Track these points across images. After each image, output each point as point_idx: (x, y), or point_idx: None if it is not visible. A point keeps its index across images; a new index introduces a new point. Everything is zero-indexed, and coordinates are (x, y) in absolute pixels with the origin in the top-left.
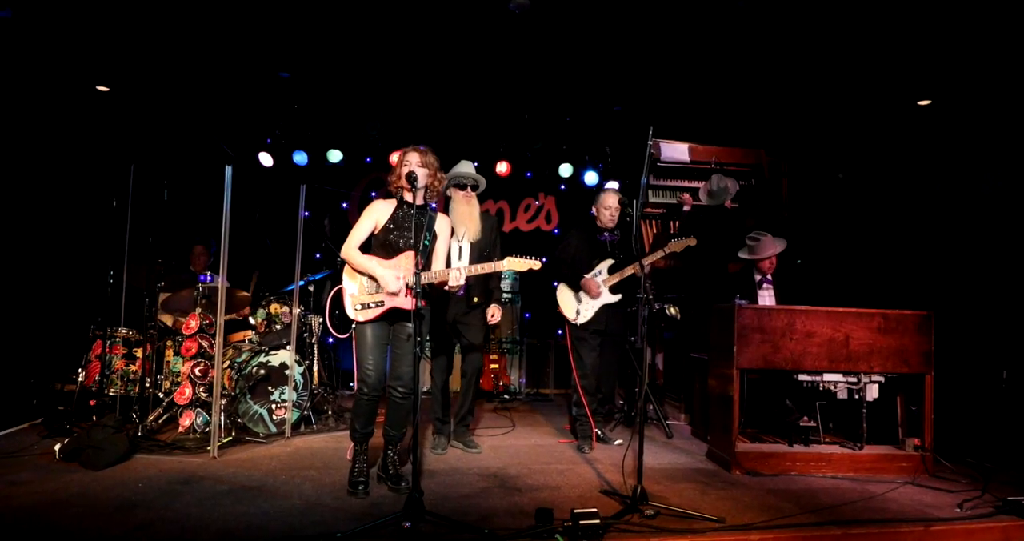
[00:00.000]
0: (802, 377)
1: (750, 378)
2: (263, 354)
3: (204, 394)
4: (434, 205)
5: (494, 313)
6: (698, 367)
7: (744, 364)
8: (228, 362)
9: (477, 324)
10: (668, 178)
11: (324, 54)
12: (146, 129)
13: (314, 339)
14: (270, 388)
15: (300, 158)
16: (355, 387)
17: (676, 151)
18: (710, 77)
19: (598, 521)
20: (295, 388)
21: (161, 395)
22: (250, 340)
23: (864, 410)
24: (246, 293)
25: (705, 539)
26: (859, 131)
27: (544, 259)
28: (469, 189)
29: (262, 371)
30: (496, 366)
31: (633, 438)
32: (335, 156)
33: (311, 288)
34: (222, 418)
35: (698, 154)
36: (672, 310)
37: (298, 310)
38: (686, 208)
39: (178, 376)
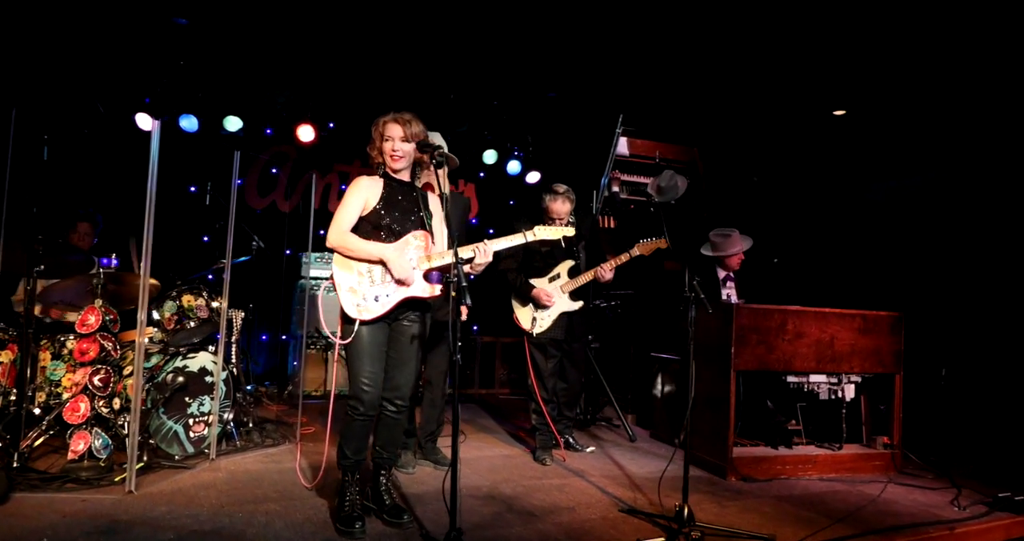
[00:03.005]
0: (790, 378)
1: None
2: (179, 358)
3: (106, 410)
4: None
5: (462, 312)
6: (661, 366)
7: (741, 366)
8: (132, 368)
9: (448, 322)
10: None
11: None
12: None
13: (235, 338)
14: (187, 399)
15: (188, 123)
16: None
17: (616, 145)
18: (646, 72)
19: None
20: (216, 398)
21: (37, 411)
22: (152, 339)
23: (844, 410)
24: (154, 281)
25: None
26: (775, 137)
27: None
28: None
29: (179, 378)
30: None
31: (602, 444)
32: (233, 124)
33: (226, 276)
34: (132, 439)
35: (636, 148)
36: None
37: (218, 304)
38: (615, 188)
39: (58, 386)
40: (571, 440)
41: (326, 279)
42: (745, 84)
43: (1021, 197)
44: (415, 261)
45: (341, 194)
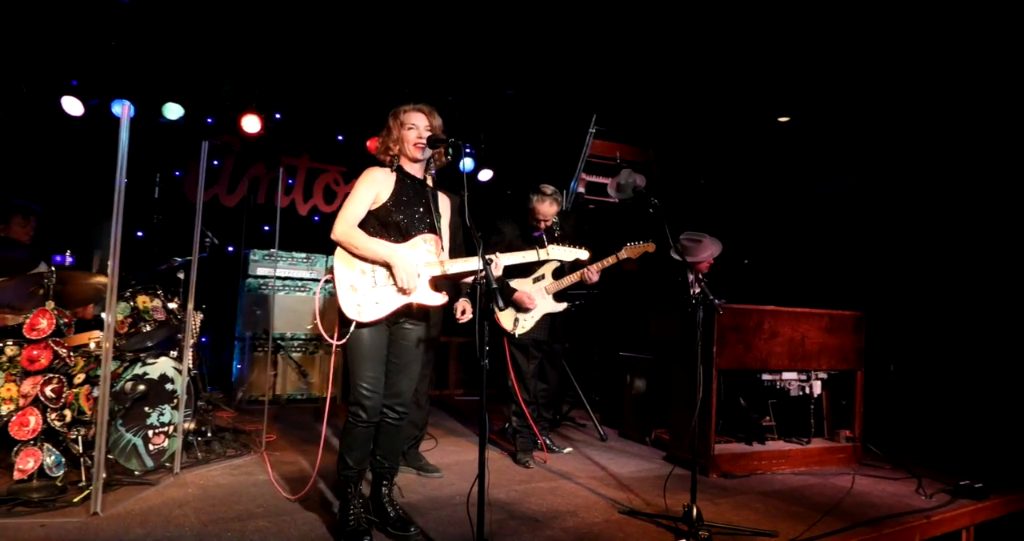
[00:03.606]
0: (764, 376)
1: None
2: (139, 364)
3: (59, 424)
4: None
5: (465, 309)
6: (631, 366)
7: (723, 365)
8: (83, 376)
9: (438, 324)
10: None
11: None
12: None
13: (192, 341)
14: (147, 409)
15: (120, 109)
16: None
17: (588, 145)
18: (604, 72)
19: None
20: (177, 406)
21: None
22: (100, 344)
23: (812, 406)
24: (103, 279)
25: None
26: (721, 142)
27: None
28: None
29: (140, 386)
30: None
31: (575, 444)
32: (174, 111)
33: (181, 275)
34: (99, 454)
35: (595, 149)
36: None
37: (175, 305)
38: (582, 189)
39: None
40: (548, 441)
41: (272, 278)
42: (697, 89)
43: (962, 201)
44: (421, 266)
45: (289, 188)
